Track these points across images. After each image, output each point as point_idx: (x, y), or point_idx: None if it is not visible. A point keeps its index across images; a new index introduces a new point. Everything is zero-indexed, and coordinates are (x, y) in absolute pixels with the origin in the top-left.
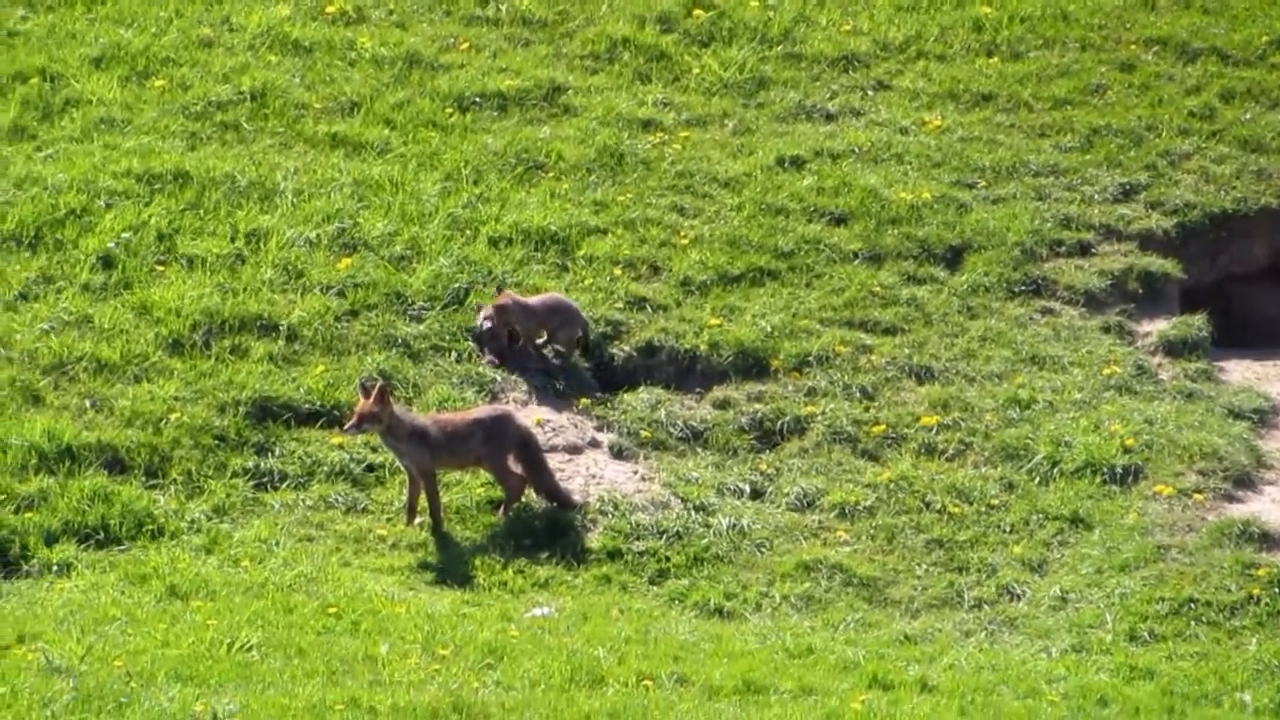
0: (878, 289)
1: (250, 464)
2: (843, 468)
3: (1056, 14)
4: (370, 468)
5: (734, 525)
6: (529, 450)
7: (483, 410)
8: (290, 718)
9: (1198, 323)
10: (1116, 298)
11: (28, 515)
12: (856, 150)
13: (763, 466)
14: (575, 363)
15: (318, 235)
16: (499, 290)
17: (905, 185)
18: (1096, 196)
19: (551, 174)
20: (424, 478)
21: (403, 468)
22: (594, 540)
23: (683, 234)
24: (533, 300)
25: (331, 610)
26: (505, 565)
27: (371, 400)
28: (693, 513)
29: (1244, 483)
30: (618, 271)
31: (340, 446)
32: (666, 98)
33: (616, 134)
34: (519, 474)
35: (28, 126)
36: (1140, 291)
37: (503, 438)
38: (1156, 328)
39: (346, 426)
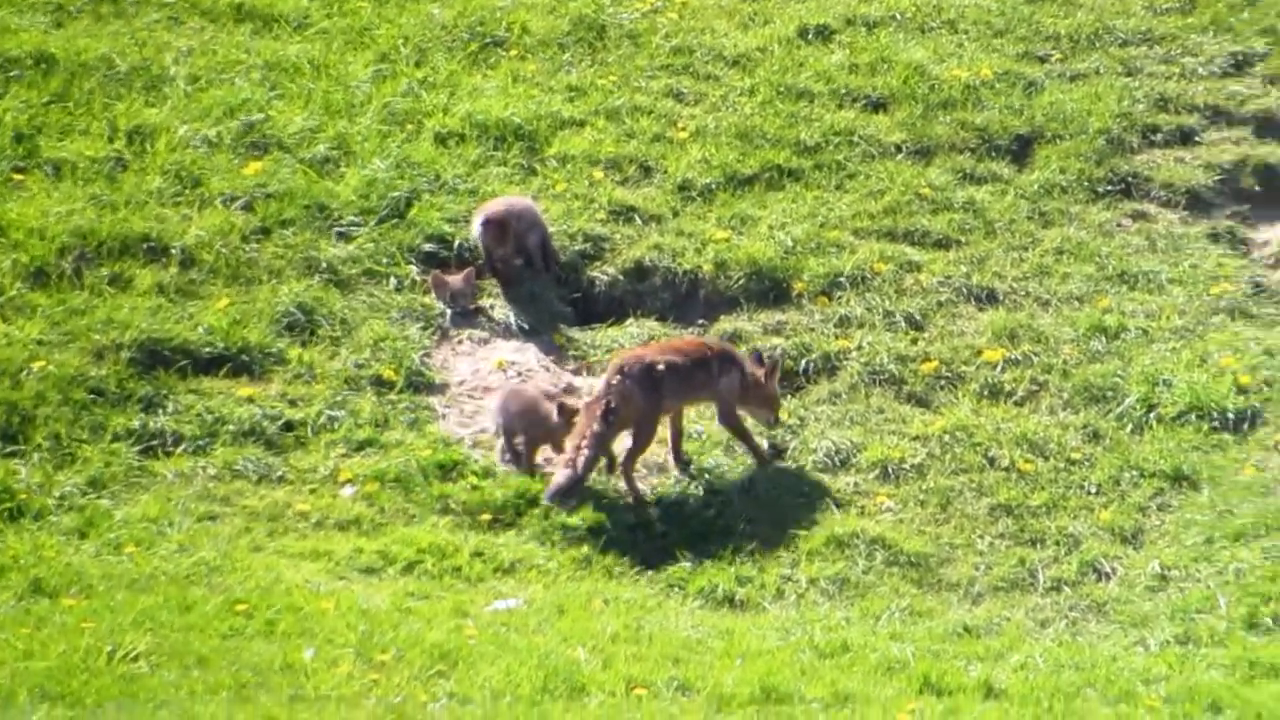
0: (926, 191)
1: (135, 424)
2: (884, 416)
3: None
4: (288, 425)
5: (747, 491)
6: None
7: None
8: None
9: None
10: (1227, 198)
11: None
12: (897, 17)
13: (783, 416)
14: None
15: (218, 133)
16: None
17: (959, 60)
18: (1201, 70)
19: (514, 52)
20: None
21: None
22: (571, 514)
23: (681, 126)
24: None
25: (240, 607)
26: (459, 547)
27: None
28: (694, 476)
29: None
30: (598, 174)
31: (250, 399)
32: None
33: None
34: None
35: None
36: (1257, 189)
37: None
38: (1277, 235)
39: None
